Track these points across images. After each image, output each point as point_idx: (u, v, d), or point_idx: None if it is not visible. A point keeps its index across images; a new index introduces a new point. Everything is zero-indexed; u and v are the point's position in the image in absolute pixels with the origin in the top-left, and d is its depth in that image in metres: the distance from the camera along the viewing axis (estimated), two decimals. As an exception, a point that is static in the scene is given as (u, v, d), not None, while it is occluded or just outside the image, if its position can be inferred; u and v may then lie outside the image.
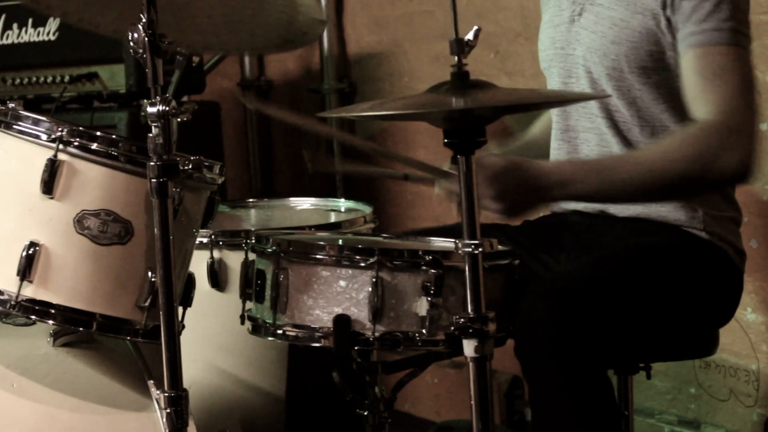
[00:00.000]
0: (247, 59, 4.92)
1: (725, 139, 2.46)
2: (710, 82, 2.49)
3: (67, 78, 3.96)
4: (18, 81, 4.06)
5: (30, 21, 4.06)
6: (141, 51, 2.11)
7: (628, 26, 2.58)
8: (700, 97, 2.50)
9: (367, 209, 3.19)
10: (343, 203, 3.34)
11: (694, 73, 2.51)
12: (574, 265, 2.58)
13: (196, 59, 3.25)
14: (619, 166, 2.52)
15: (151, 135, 2.13)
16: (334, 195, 4.30)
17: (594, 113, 2.67)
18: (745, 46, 2.52)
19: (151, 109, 2.12)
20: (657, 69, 2.60)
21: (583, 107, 2.69)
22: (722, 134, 2.46)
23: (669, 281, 2.56)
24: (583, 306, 2.38)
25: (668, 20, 2.55)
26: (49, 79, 4.00)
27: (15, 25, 4.09)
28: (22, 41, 4.08)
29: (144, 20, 2.10)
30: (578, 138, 2.71)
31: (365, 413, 2.46)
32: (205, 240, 2.94)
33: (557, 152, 2.76)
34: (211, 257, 2.95)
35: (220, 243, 2.96)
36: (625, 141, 2.65)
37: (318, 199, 3.41)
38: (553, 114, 2.78)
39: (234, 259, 2.94)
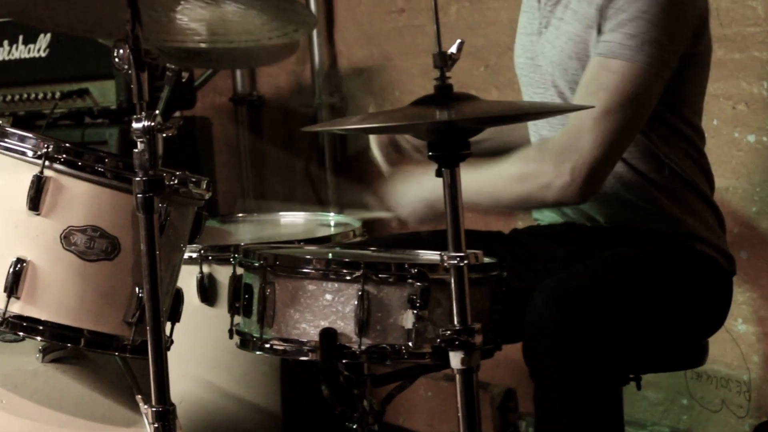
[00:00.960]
0: (239, 74, 4.91)
1: (556, 163, 2.49)
2: (590, 96, 2.47)
3: (58, 94, 3.96)
4: (9, 98, 4.06)
5: (21, 38, 4.06)
6: (126, 66, 2.12)
7: (581, 41, 2.58)
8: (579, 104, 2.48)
9: (356, 223, 3.19)
10: (333, 217, 3.35)
11: (584, 82, 2.51)
12: (577, 271, 2.56)
13: (185, 75, 3.24)
14: (476, 179, 2.56)
15: (136, 150, 2.14)
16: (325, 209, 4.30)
17: (561, 126, 2.66)
18: (648, 65, 2.47)
19: (136, 125, 2.12)
20: None
21: (552, 118, 2.69)
22: (557, 156, 2.50)
23: (670, 289, 2.58)
24: (589, 313, 2.39)
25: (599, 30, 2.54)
26: (40, 96, 4.00)
27: (6, 42, 4.09)
28: (13, 58, 4.09)
29: (129, 36, 2.10)
30: None
31: (354, 426, 2.46)
32: (194, 255, 2.94)
33: None
34: (201, 272, 2.95)
35: (210, 258, 2.96)
36: None
37: (308, 213, 3.41)
38: (530, 125, 2.79)
39: (224, 274, 2.94)
